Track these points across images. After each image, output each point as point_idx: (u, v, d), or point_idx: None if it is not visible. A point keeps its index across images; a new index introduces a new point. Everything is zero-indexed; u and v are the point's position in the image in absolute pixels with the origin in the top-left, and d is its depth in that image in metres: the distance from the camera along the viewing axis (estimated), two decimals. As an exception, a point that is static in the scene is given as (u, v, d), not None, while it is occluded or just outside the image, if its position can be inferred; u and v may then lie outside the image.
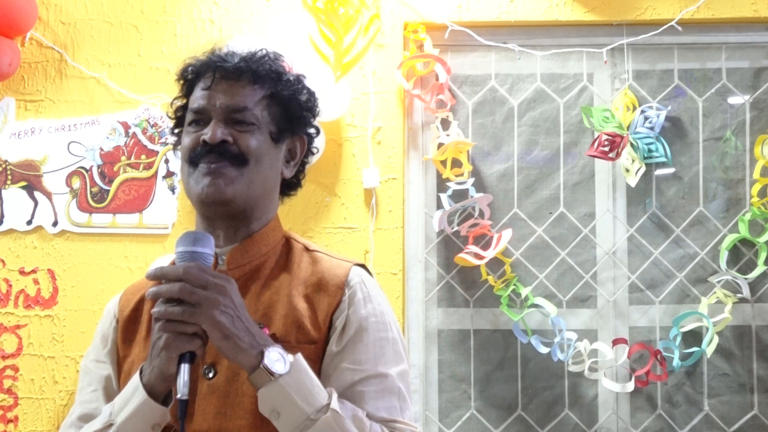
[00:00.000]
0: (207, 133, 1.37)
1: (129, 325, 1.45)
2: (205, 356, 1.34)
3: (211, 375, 1.34)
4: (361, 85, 2.78)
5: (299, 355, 1.28)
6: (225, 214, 1.38)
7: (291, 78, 1.45)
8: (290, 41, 2.61)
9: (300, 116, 1.46)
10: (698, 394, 2.83)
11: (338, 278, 1.41)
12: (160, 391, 1.27)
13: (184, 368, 1.21)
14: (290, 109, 1.44)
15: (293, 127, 1.46)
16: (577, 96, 2.88)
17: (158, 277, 1.25)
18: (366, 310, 1.39)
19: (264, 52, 1.46)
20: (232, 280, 1.27)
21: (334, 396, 1.28)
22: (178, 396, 1.20)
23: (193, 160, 1.39)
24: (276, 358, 1.23)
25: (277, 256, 1.45)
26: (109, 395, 1.41)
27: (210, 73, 1.41)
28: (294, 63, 1.55)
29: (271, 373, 1.23)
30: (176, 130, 1.50)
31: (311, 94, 1.50)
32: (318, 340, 1.37)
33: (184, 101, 1.48)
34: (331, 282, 1.40)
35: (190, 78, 1.46)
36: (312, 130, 1.51)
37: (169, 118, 1.51)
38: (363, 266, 1.48)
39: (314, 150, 1.54)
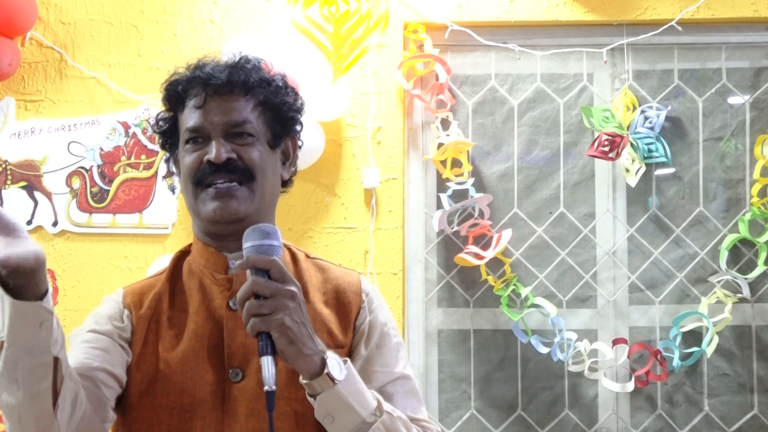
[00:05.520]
0: (211, 153, 1.36)
1: (149, 324, 1.41)
2: (232, 360, 1.36)
3: (239, 378, 1.35)
4: (361, 85, 2.77)
5: (349, 361, 1.30)
6: (237, 231, 1.36)
7: (279, 83, 1.45)
8: (290, 41, 2.61)
9: (290, 118, 1.47)
10: (698, 394, 2.83)
11: (354, 286, 1.47)
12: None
13: (268, 360, 1.21)
14: (281, 113, 1.45)
15: (286, 131, 1.47)
16: (577, 96, 2.87)
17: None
18: (383, 316, 1.47)
19: (248, 58, 1.45)
20: (299, 286, 1.27)
21: (380, 398, 1.31)
22: (266, 388, 1.20)
23: (199, 180, 1.38)
24: (334, 365, 1.25)
25: (285, 263, 1.45)
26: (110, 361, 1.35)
27: (200, 89, 1.40)
28: (284, 62, 1.53)
29: (333, 380, 1.24)
30: (167, 144, 1.47)
31: (295, 92, 1.50)
32: (345, 344, 1.42)
33: (171, 114, 1.45)
34: (348, 290, 1.46)
35: (178, 93, 1.43)
36: (299, 127, 1.52)
37: (154, 132, 1.49)
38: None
39: (300, 143, 1.54)
